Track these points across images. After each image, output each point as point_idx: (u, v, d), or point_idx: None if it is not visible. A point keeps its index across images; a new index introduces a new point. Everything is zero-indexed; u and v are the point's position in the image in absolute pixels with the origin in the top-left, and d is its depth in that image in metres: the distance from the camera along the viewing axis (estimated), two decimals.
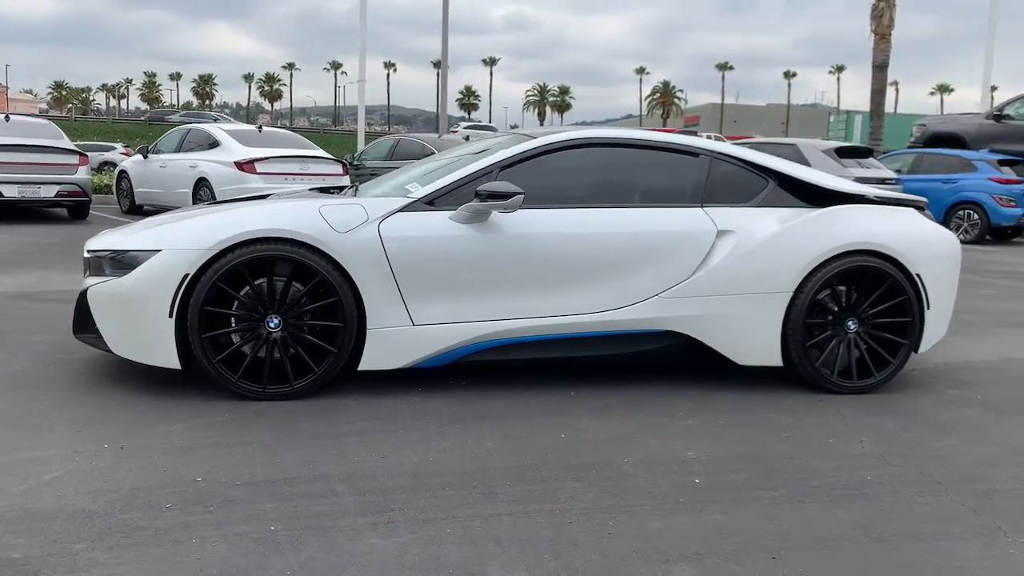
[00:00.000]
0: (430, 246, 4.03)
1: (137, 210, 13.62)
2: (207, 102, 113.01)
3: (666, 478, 3.15)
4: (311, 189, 5.64)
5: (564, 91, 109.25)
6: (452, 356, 4.10)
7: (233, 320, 3.92)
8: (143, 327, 3.87)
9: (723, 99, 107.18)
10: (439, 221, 4.07)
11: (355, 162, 15.63)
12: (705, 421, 3.86)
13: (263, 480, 3.00)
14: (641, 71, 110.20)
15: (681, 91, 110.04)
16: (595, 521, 2.75)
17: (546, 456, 3.34)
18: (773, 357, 4.36)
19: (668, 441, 3.56)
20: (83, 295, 4.06)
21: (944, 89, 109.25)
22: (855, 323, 4.41)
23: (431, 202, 4.13)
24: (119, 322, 3.92)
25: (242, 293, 3.89)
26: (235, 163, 11.45)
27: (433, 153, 12.71)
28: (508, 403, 4.01)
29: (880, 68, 21.07)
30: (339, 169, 12.28)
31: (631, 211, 4.33)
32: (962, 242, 10.33)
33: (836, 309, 4.40)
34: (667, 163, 4.52)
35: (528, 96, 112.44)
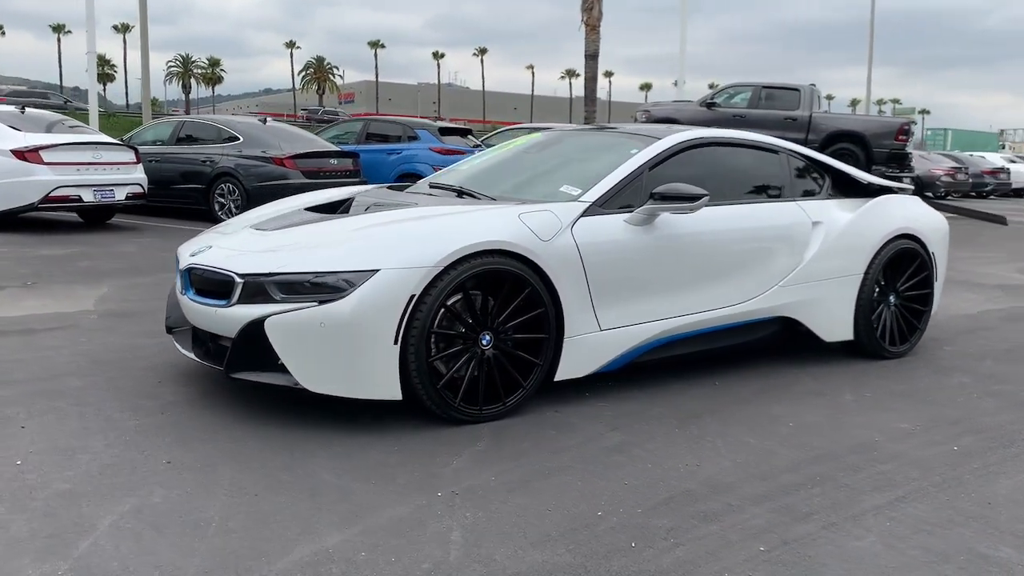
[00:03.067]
0: (614, 250, 4.02)
1: None
2: None
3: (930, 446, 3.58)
4: (385, 186, 5.15)
5: (214, 63, 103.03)
6: (627, 359, 4.14)
7: (457, 340, 3.61)
8: (361, 357, 3.42)
9: (377, 77, 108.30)
10: (617, 224, 4.07)
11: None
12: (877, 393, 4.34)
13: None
14: (291, 45, 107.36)
15: (336, 67, 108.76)
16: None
17: (815, 443, 3.60)
18: (848, 332, 4.95)
19: (879, 416, 3.99)
20: (253, 326, 3.47)
21: (571, 73, 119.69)
22: (895, 296, 5.14)
23: (602, 205, 4.10)
24: (323, 354, 3.42)
25: (460, 310, 3.60)
26: (13, 151, 9.67)
27: (235, 136, 11.77)
28: (689, 398, 4.15)
29: (592, 57, 22.96)
30: (132, 157, 10.87)
31: (753, 206, 4.65)
32: None
33: (884, 285, 5.10)
34: (761, 161, 4.90)
35: (169, 67, 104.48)
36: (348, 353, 3.42)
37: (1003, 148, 46.78)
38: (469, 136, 14.44)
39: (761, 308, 4.59)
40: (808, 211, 4.84)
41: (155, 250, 8.99)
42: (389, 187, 5.30)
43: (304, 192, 11.08)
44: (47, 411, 3.66)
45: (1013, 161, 30.39)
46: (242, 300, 3.56)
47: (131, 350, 4.71)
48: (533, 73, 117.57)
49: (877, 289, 5.03)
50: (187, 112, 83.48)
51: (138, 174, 10.92)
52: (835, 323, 4.90)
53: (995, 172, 27.35)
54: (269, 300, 3.50)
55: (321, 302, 3.42)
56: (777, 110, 18.06)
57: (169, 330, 4.33)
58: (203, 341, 4.02)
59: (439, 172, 5.42)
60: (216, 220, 11.63)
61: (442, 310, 3.51)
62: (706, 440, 3.58)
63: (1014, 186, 28.76)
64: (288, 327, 3.42)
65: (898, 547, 2.68)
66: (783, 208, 4.78)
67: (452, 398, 3.59)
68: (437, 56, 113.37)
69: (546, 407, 3.90)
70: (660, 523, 2.78)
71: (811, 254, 4.76)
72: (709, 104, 18.78)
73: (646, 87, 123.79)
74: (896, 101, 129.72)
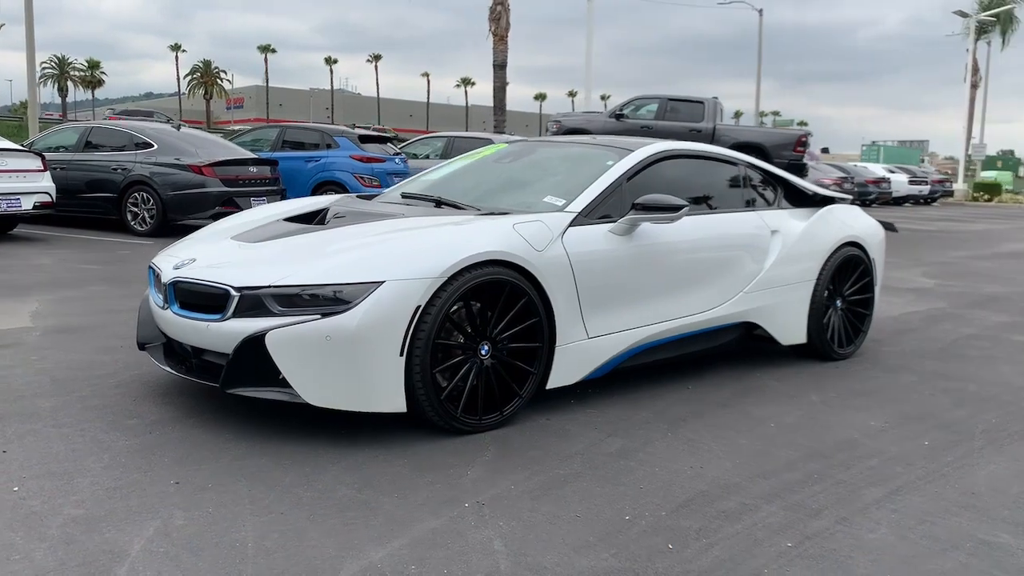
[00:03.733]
0: (601, 259, 4.11)
1: None
2: None
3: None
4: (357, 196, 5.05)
5: (94, 65, 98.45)
6: (611, 365, 4.23)
7: (457, 351, 3.61)
8: (367, 370, 3.39)
9: (267, 82, 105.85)
10: (603, 234, 4.16)
11: None
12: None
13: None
14: (177, 48, 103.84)
15: (225, 71, 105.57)
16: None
17: (801, 442, 3.77)
18: (802, 336, 5.19)
19: (837, 405, 4.21)
20: (252, 341, 3.38)
21: (467, 82, 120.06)
22: (841, 301, 5.43)
23: (587, 215, 4.18)
24: (327, 368, 3.37)
25: (462, 321, 3.62)
26: None
27: (148, 142, 11.35)
28: (669, 403, 4.27)
29: (500, 67, 23.14)
30: (39, 164, 10.33)
31: (721, 216, 4.82)
32: None
33: (832, 290, 5.37)
34: (723, 172, 5.09)
35: (44, 68, 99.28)
36: (353, 366, 3.38)
37: (923, 162, 49.94)
38: (389, 144, 14.32)
39: (728, 314, 4.76)
40: (767, 221, 5.06)
41: (73, 262, 8.57)
42: (359, 197, 5.23)
43: (224, 201, 10.93)
44: (26, 434, 3.47)
45: (892, 172, 32.20)
46: (237, 314, 3.47)
47: (90, 367, 4.50)
48: (429, 81, 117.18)
49: (826, 294, 5.29)
50: (64, 116, 79.60)
51: (46, 182, 10.40)
52: (791, 327, 5.13)
53: (877, 182, 28.96)
54: (266, 313, 3.43)
55: (324, 315, 3.36)
56: (683, 122, 18.64)
57: (141, 346, 4.17)
58: (182, 357, 3.90)
59: (406, 181, 5.39)
60: (129, 230, 11.19)
61: (446, 321, 3.52)
62: (701, 443, 3.70)
63: (894, 195, 30.52)
64: (291, 341, 3.36)
65: (909, 537, 2.84)
66: (746, 218, 4.98)
67: (454, 409, 3.59)
68: (330, 61, 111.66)
69: (536, 416, 3.95)
70: (688, 524, 2.86)
71: (770, 262, 4.97)
72: (618, 115, 19.21)
73: (540, 97, 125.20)
74: (776, 113, 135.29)
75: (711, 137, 18.39)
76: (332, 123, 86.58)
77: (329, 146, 13.35)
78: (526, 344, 3.82)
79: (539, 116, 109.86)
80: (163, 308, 3.80)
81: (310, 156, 13.34)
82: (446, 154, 15.31)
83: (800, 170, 17.80)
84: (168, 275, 3.77)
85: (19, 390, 4.07)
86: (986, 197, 37.96)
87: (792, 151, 17.77)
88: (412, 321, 3.41)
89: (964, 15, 37.05)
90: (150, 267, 4.17)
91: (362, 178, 12.96)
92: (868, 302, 5.59)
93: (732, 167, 5.18)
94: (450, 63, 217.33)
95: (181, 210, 10.99)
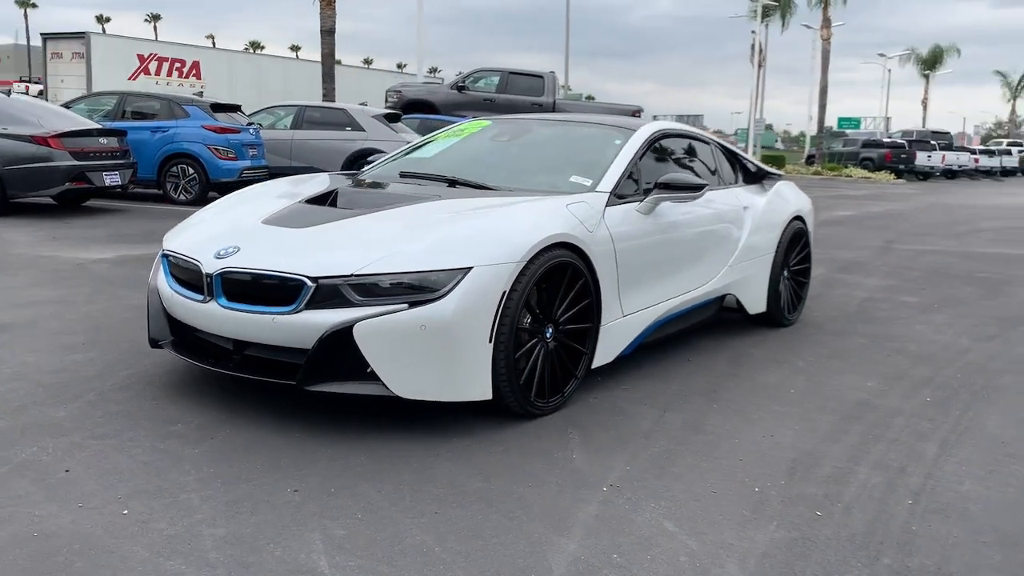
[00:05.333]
0: (633, 237, 4.17)
1: None
2: None
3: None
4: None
5: None
6: (636, 343, 4.33)
7: (528, 335, 3.56)
8: (458, 359, 3.28)
9: (29, 40, 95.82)
10: (632, 212, 4.22)
11: None
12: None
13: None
14: None
15: None
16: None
17: (830, 406, 4.06)
18: (763, 305, 5.53)
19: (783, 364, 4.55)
20: (338, 334, 3.17)
21: (256, 46, 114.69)
22: (787, 271, 5.83)
23: (616, 194, 4.22)
24: (419, 358, 3.23)
25: (532, 305, 3.57)
26: None
27: None
28: (684, 376, 4.44)
29: (328, 33, 22.25)
30: None
31: (713, 193, 4.99)
32: (183, 203, 11.70)
33: (783, 262, 5.75)
34: (702, 151, 5.28)
35: None
36: (447, 356, 3.26)
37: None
38: (239, 113, 13.50)
39: (718, 287, 4.99)
40: (739, 197, 5.33)
41: None
42: (346, 175, 4.94)
43: (74, 176, 9.90)
44: (71, 449, 3.08)
45: None
46: (311, 305, 3.24)
47: (68, 369, 4.03)
48: (214, 43, 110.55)
49: (780, 265, 5.66)
50: None
51: None
52: (756, 297, 5.45)
53: None
54: (345, 304, 3.23)
55: (412, 304, 3.22)
56: (524, 95, 18.89)
57: (155, 343, 3.79)
58: (213, 353, 3.60)
59: (383, 160, 5.15)
60: None
61: (524, 305, 3.46)
62: (749, 413, 3.88)
63: None
64: (381, 332, 3.18)
65: (992, 486, 3.16)
66: (728, 194, 5.22)
67: (528, 392, 3.56)
68: (102, 20, 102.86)
69: (581, 395, 3.97)
70: (812, 491, 3.03)
71: (744, 236, 5.25)
72: (460, 87, 19.16)
73: (256, 45, 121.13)
74: (566, 87, 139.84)
75: (552, 111, 18.77)
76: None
77: (177, 115, 12.39)
78: (579, 325, 3.83)
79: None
80: (204, 301, 3.46)
81: (156, 126, 12.33)
82: (297, 124, 14.68)
83: None
84: (212, 265, 3.43)
85: (10, 399, 3.58)
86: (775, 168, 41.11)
87: None
88: (500, 307, 3.34)
89: None
90: (164, 256, 3.78)
91: (217, 150, 12.17)
92: (807, 271, 6.03)
93: (707, 146, 5.40)
94: (235, 24, 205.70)
95: (24, 186, 9.85)
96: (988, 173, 42.54)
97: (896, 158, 36.46)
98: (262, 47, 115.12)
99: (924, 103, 64.58)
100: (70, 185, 10.01)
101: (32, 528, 2.49)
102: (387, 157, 5.23)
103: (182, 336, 3.77)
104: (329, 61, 22.64)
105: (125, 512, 2.61)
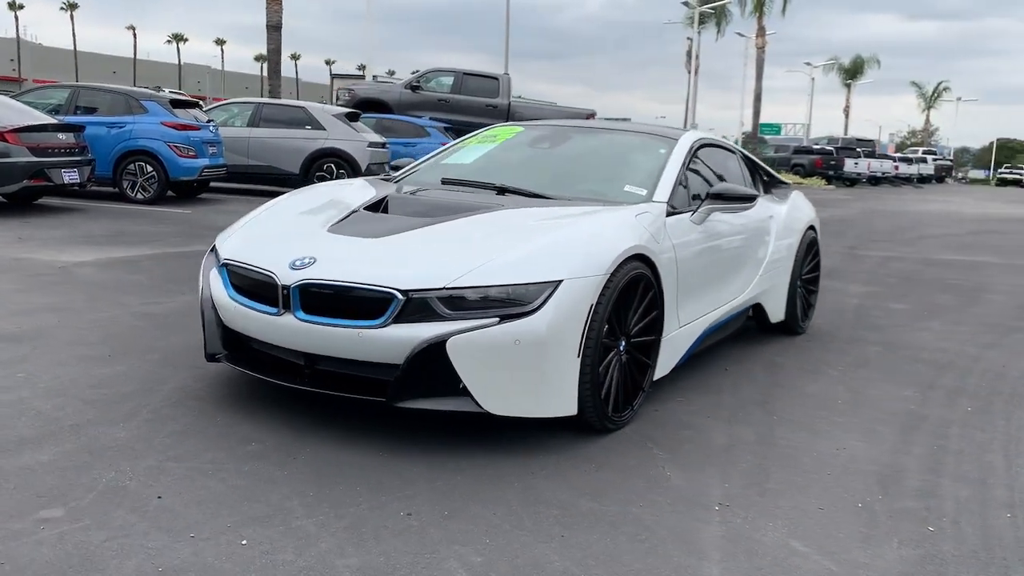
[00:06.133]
0: (690, 248, 4.15)
1: None
2: None
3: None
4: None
5: None
6: (688, 355, 4.31)
7: (606, 349, 3.49)
8: (549, 374, 3.20)
9: None
10: (686, 223, 4.20)
11: None
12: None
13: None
14: None
15: None
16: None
17: (880, 416, 4.11)
18: (782, 313, 5.59)
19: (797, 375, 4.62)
20: (432, 349, 3.06)
21: (179, 38, 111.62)
22: (799, 280, 5.91)
23: (671, 205, 4.20)
24: (511, 373, 3.14)
25: (611, 318, 3.51)
26: None
27: None
28: (727, 386, 4.45)
29: (275, 28, 21.83)
30: None
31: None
32: (140, 202, 11.80)
33: (800, 270, 5.83)
34: (731, 161, 5.30)
35: None
36: (538, 371, 3.18)
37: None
38: (199, 110, 13.08)
39: (751, 296, 5.02)
40: (765, 206, 5.37)
41: None
42: (411, 187, 4.69)
43: (33, 173, 9.43)
44: (153, 473, 2.90)
45: None
46: (400, 319, 3.12)
47: (115, 383, 3.81)
48: (135, 34, 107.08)
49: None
50: None
51: None
52: (778, 306, 5.51)
53: None
54: (434, 318, 3.12)
55: (502, 317, 3.13)
56: (479, 96, 18.82)
57: (211, 357, 3.60)
58: (277, 366, 3.45)
59: (414, 166, 5.01)
60: None
61: (608, 318, 3.41)
62: (810, 424, 3.90)
63: None
64: (474, 347, 3.09)
65: None
66: (758, 205, 5.24)
67: (607, 407, 3.50)
68: (14, 7, 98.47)
69: (642, 409, 3.94)
70: (914, 506, 3.05)
71: (771, 246, 5.29)
72: (414, 87, 18.98)
73: (261, 58, 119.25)
74: None
75: (507, 113, 18.71)
76: (19, 77, 76.49)
77: (135, 110, 11.92)
78: (645, 338, 3.79)
79: (260, 79, 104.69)
80: (278, 314, 3.30)
81: (113, 122, 11.83)
82: (254, 122, 14.30)
83: None
84: (289, 277, 3.27)
85: (60, 418, 3.36)
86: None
87: None
88: (588, 320, 3.27)
89: (688, 5, 40.83)
90: (224, 266, 3.60)
91: (177, 147, 11.75)
92: (817, 280, 6.12)
93: (734, 156, 5.42)
94: (157, 16, 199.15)
95: None
96: (907, 180, 44.28)
97: (826, 164, 37.55)
98: (185, 39, 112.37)
99: (846, 111, 66.89)
100: (28, 183, 9.53)
101: (154, 562, 2.32)
102: (418, 163, 5.10)
103: (237, 348, 3.60)
104: (275, 57, 22.21)
105: (244, 543, 2.46)
